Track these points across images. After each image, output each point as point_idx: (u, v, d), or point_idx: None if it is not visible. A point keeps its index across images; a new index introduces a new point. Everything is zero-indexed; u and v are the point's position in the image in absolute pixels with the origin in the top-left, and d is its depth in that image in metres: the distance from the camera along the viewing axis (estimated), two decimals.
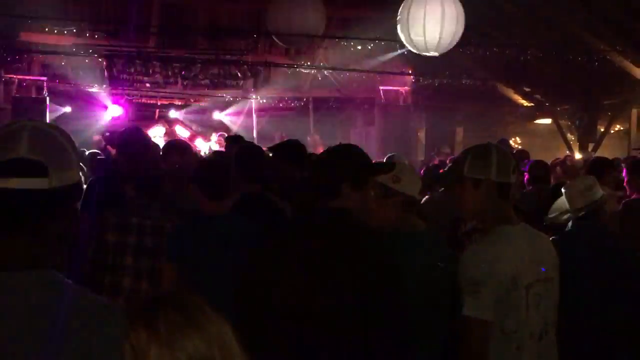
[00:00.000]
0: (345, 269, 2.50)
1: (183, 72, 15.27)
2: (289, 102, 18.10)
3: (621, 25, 12.42)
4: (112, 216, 4.10)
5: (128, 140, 4.99)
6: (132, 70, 15.02)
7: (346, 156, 2.78)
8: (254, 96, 17.03)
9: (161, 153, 5.45)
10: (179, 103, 17.99)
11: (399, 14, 8.65)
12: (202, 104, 18.01)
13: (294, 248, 2.60)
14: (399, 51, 13.38)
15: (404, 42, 8.83)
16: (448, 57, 12.13)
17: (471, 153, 2.89)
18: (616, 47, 12.89)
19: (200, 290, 2.79)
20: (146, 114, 18.90)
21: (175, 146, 5.42)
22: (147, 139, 5.35)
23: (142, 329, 1.52)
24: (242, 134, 18.99)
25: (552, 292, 2.85)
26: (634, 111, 15.05)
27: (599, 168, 6.18)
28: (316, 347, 2.45)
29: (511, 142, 19.93)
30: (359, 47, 14.33)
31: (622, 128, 16.77)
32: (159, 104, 17.84)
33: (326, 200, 2.66)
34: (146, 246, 4.04)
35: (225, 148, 7.99)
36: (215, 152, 9.88)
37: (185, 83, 16.07)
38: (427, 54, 8.93)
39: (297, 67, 15.48)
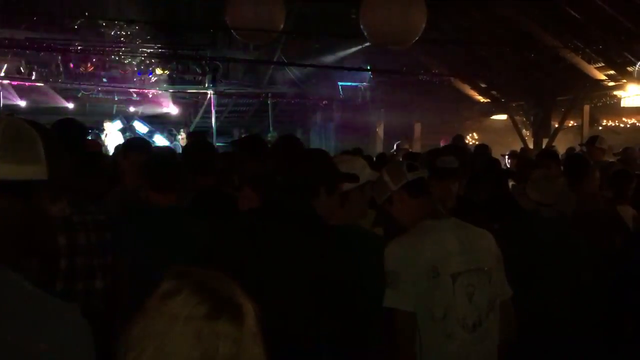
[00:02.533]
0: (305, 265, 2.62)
1: (141, 67, 15.10)
2: (248, 97, 18.07)
3: (574, 24, 12.70)
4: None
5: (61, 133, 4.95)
6: (89, 64, 14.83)
7: (325, 161, 2.94)
8: (212, 92, 16.96)
9: (121, 151, 5.41)
10: (137, 98, 17.80)
11: (361, 7, 8.63)
12: (161, 99, 17.87)
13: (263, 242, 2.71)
14: (357, 47, 13.46)
15: (367, 36, 8.82)
16: (405, 54, 12.27)
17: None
18: (569, 45, 13.17)
19: (149, 284, 2.83)
20: (104, 109, 18.67)
21: (135, 144, 5.38)
22: (85, 130, 5.30)
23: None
24: (201, 130, 19.01)
25: (489, 283, 2.92)
26: (586, 107, 15.40)
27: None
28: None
29: (468, 137, 20.25)
30: (318, 45, 14.37)
31: (575, 124, 17.11)
32: (116, 98, 17.63)
33: (302, 199, 2.78)
34: (93, 243, 3.93)
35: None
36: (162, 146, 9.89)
37: (143, 78, 15.93)
38: (390, 47, 8.95)
39: (255, 63, 15.48)
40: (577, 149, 8.74)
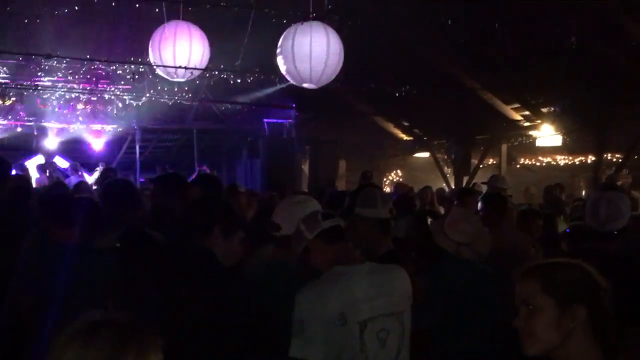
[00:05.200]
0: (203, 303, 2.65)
1: (61, 102, 14.77)
2: (173, 133, 17.89)
3: (492, 66, 13.18)
4: None
5: None
6: (7, 98, 14.41)
7: (220, 204, 3.10)
8: (136, 127, 16.73)
9: None
10: (58, 133, 17.37)
11: (279, 45, 8.66)
12: (85, 134, 17.49)
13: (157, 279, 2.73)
14: (281, 85, 13.55)
15: (284, 74, 8.87)
16: (331, 91, 12.43)
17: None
18: (487, 87, 13.65)
19: (53, 318, 2.81)
20: (23, 144, 18.11)
21: None
22: (7, 165, 5.16)
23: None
24: (125, 165, 18.67)
25: (402, 327, 2.97)
26: (504, 146, 15.91)
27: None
28: None
29: (392, 174, 20.61)
30: (239, 81, 14.39)
31: (494, 162, 17.65)
32: (35, 133, 17.14)
33: (198, 238, 2.82)
34: None
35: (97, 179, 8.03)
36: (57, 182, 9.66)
37: (64, 112, 15.58)
38: (307, 87, 9.02)
39: (178, 100, 15.37)
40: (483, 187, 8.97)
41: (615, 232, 3.95)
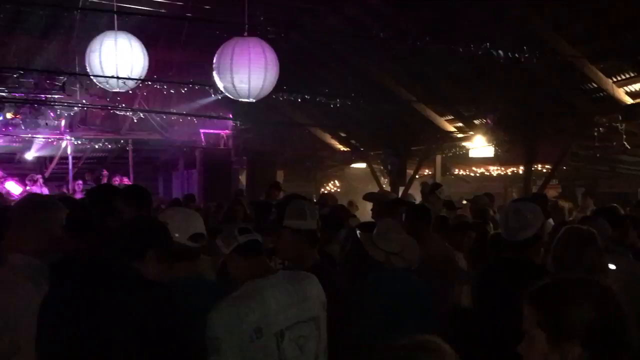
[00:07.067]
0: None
1: None
2: (108, 143, 17.60)
3: (426, 79, 13.43)
4: None
5: None
6: None
7: (156, 228, 3.01)
8: (68, 137, 16.39)
9: None
10: None
11: (215, 62, 8.63)
12: (14, 144, 17.03)
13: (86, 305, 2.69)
14: (217, 96, 13.50)
15: (222, 89, 8.84)
16: (268, 102, 12.46)
17: None
18: (421, 99, 13.90)
19: None
20: None
21: None
22: None
23: None
24: (58, 176, 18.28)
25: (318, 331, 3.03)
26: (438, 157, 16.19)
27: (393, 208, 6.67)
28: None
29: (330, 184, 20.73)
30: (173, 91, 14.28)
31: (429, 172, 17.93)
32: None
33: (127, 261, 2.79)
34: None
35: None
36: None
37: None
38: (245, 100, 9.02)
39: (112, 110, 15.13)
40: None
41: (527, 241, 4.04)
